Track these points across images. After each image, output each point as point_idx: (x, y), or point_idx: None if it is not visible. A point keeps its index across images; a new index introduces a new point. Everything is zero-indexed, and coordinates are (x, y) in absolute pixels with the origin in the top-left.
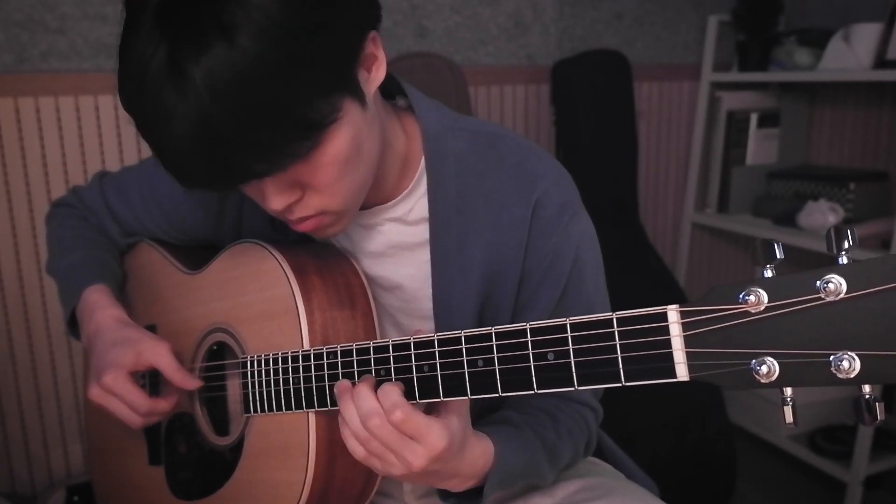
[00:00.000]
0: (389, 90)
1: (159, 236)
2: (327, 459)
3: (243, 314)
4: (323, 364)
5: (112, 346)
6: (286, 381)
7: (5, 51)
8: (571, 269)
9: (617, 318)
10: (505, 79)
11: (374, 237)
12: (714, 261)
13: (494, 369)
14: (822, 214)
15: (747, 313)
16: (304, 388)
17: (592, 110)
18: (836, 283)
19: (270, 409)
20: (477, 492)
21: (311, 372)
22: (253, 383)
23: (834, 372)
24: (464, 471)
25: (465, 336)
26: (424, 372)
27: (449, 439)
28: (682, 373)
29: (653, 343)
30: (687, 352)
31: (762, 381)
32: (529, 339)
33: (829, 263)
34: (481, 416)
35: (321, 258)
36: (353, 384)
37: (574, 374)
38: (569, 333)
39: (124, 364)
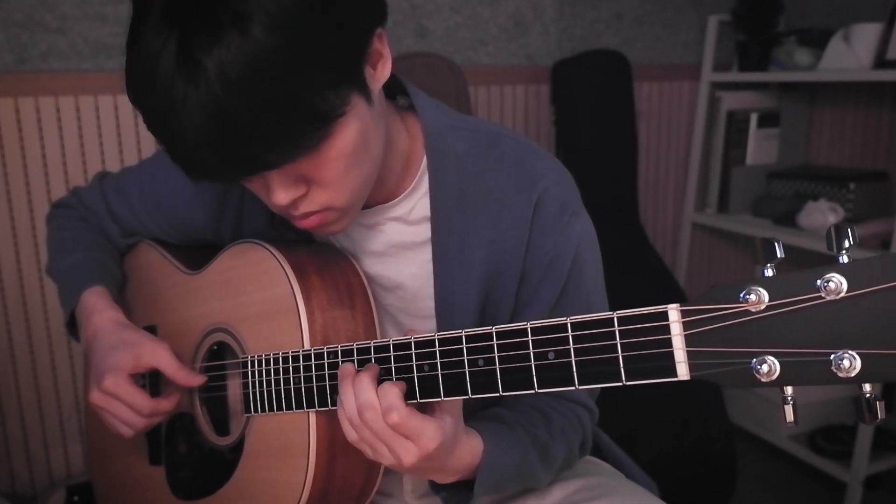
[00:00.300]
0: (392, 89)
1: (159, 236)
2: (328, 459)
3: (243, 314)
4: (324, 364)
5: (111, 350)
6: (286, 381)
7: (5, 51)
8: (571, 268)
9: (618, 318)
10: (505, 79)
11: (376, 236)
12: (714, 261)
13: (495, 369)
14: (822, 214)
15: (748, 312)
16: (305, 387)
17: (592, 110)
18: (837, 282)
19: (271, 409)
20: (467, 485)
21: (311, 372)
22: (253, 383)
23: (834, 371)
24: (450, 467)
25: (465, 335)
26: (425, 371)
27: (441, 439)
28: (682, 372)
29: (653, 342)
30: (688, 351)
31: (763, 380)
32: (530, 338)
33: (829, 263)
34: (474, 413)
35: (321, 257)
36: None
37: (575, 374)
38: (569, 333)
39: (124, 367)
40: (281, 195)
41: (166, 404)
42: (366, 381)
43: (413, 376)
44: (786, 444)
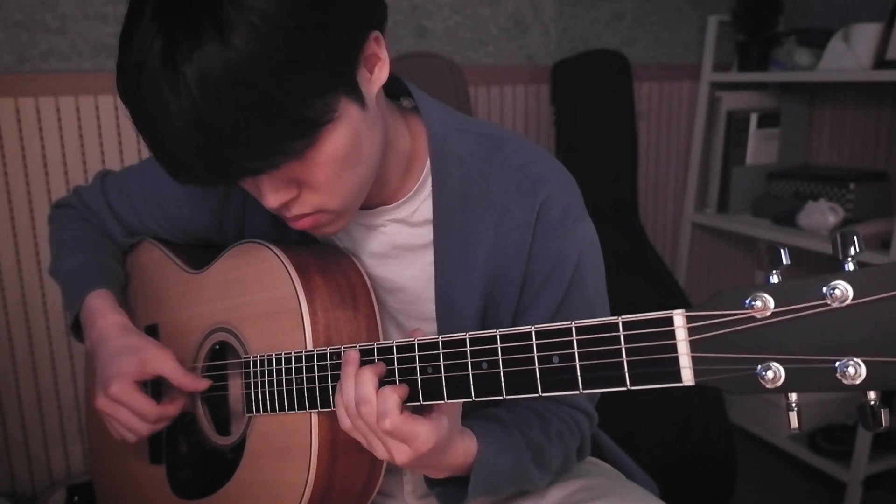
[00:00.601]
0: (394, 91)
1: (162, 235)
2: (329, 460)
3: (246, 314)
4: (326, 365)
5: (116, 355)
6: (289, 382)
7: (5, 51)
8: (573, 273)
9: (623, 322)
10: (505, 79)
11: (377, 238)
12: (714, 261)
13: (499, 372)
14: (821, 214)
15: (753, 318)
16: (307, 388)
17: (592, 110)
18: (843, 290)
19: (273, 410)
20: (462, 482)
21: (314, 373)
22: (255, 383)
23: (839, 378)
24: (443, 464)
25: (469, 338)
26: (428, 374)
27: (435, 442)
28: (687, 377)
29: (658, 347)
30: (693, 356)
31: (768, 386)
32: (534, 341)
33: (829, 264)
34: (471, 411)
35: (324, 258)
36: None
37: (579, 378)
38: (574, 337)
39: (129, 373)
40: (271, 198)
41: (172, 409)
42: (367, 375)
43: (416, 378)
44: (786, 444)
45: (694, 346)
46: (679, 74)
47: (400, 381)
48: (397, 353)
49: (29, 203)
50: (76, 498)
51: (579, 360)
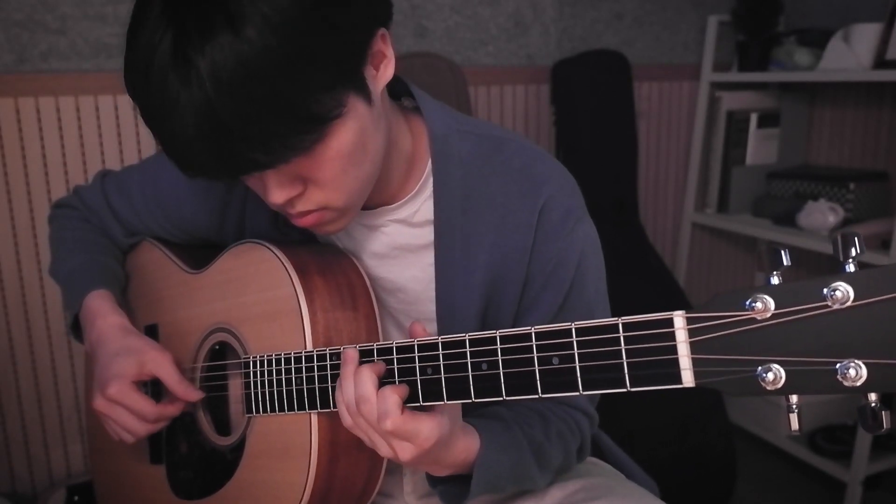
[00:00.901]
0: (396, 91)
1: (162, 235)
2: (329, 460)
3: (245, 314)
4: (326, 365)
5: (115, 356)
6: (289, 382)
7: (5, 51)
8: (574, 274)
9: (623, 324)
10: (505, 79)
11: (378, 238)
12: (714, 261)
13: (499, 373)
14: (821, 214)
15: (754, 320)
16: (307, 389)
17: (592, 110)
18: (844, 291)
19: (272, 410)
20: (465, 480)
21: (313, 373)
22: (255, 383)
23: (840, 380)
24: (446, 461)
25: (469, 339)
26: (428, 374)
27: (438, 437)
28: (687, 379)
29: (659, 349)
30: (693, 358)
31: (768, 388)
32: (534, 343)
33: (830, 264)
34: (472, 409)
35: (324, 258)
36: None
37: (579, 379)
38: (574, 338)
39: (128, 374)
40: (277, 193)
41: (171, 409)
42: (366, 374)
43: (416, 379)
44: (786, 444)
45: (694, 347)
46: (679, 74)
47: (399, 382)
48: (397, 354)
49: (29, 203)
50: (76, 498)
51: (579, 362)
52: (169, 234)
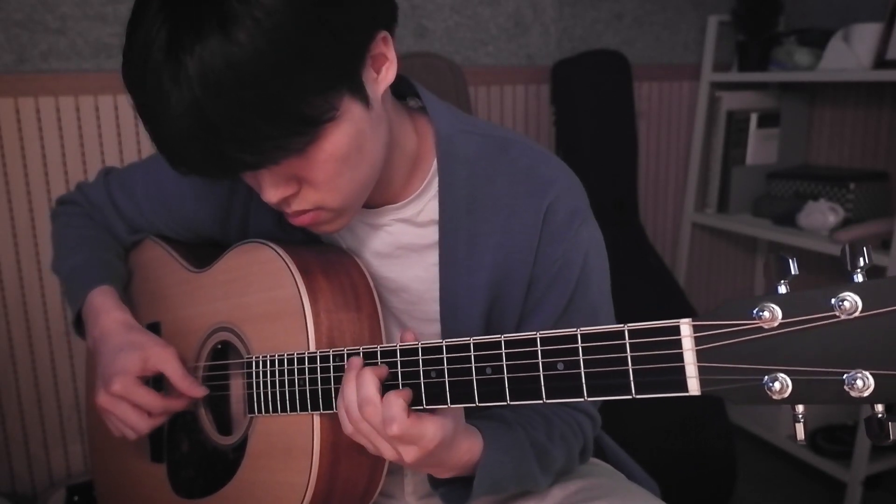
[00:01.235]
0: (401, 90)
1: (165, 233)
2: (331, 462)
3: (248, 314)
4: (329, 367)
5: (119, 352)
6: (291, 383)
7: (5, 51)
8: (579, 275)
9: (629, 331)
10: (505, 79)
11: (382, 237)
12: (714, 261)
13: (503, 377)
14: (821, 214)
15: (761, 329)
16: (310, 390)
17: (592, 110)
18: (852, 302)
19: (275, 411)
20: (466, 482)
21: (316, 374)
22: (257, 383)
23: (847, 390)
24: (448, 462)
25: (473, 343)
26: (432, 378)
27: (442, 437)
28: (693, 387)
29: (664, 356)
30: (699, 366)
31: (774, 397)
32: (539, 348)
33: (830, 264)
34: (475, 411)
35: (327, 259)
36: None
37: (584, 385)
38: (579, 344)
39: (132, 370)
40: (271, 192)
41: (177, 403)
42: (368, 376)
43: (420, 382)
44: (786, 444)
45: (700, 355)
46: (679, 74)
47: (403, 385)
48: (401, 357)
49: (29, 203)
50: (76, 498)
51: (584, 368)
52: (172, 231)
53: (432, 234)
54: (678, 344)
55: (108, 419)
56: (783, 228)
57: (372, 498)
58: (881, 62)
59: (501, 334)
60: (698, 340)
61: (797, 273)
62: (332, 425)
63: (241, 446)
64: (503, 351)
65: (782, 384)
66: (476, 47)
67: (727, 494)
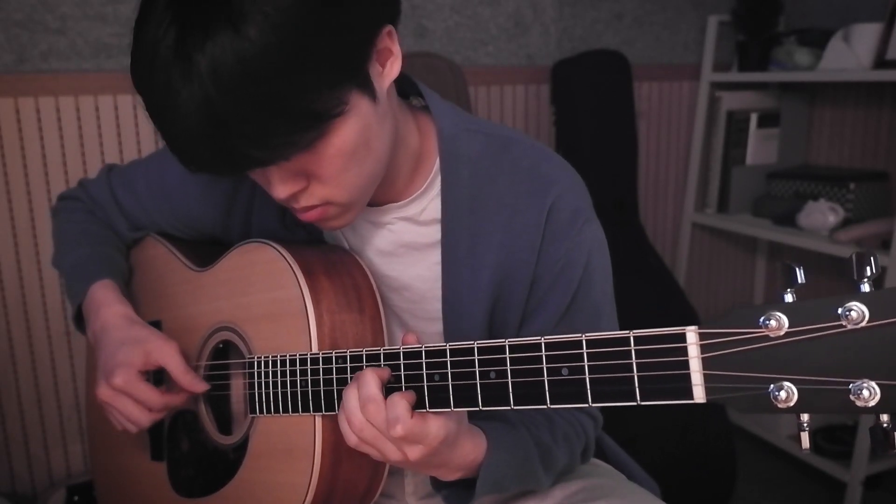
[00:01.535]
0: (404, 89)
1: (168, 231)
2: (332, 463)
3: (250, 314)
4: (332, 368)
5: (120, 345)
6: (293, 384)
7: (5, 51)
8: (582, 275)
9: (634, 337)
10: (505, 79)
11: (385, 235)
12: (714, 261)
13: (507, 382)
14: (822, 214)
15: (767, 337)
16: (312, 391)
17: (592, 110)
18: (859, 311)
19: (276, 411)
20: (469, 484)
21: (318, 375)
22: (259, 384)
23: (853, 400)
24: (453, 462)
25: (478, 347)
26: (435, 381)
27: (445, 434)
28: (698, 394)
29: (670, 363)
30: (705, 374)
31: (780, 406)
32: (544, 353)
33: (830, 265)
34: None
35: (330, 259)
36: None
37: (588, 391)
38: (584, 349)
39: (134, 363)
40: (280, 188)
41: (177, 399)
42: (370, 376)
43: (423, 385)
44: (786, 444)
45: (706, 363)
46: (679, 74)
47: (406, 389)
48: (404, 360)
49: (29, 203)
50: (76, 498)
51: (589, 374)
52: (175, 229)
53: (435, 232)
54: (684, 351)
55: (109, 413)
56: (783, 228)
57: (373, 498)
58: (881, 62)
59: (505, 337)
60: (704, 348)
61: (804, 282)
62: (334, 426)
63: (241, 446)
64: (507, 355)
65: (788, 393)
66: (476, 47)
67: (727, 494)
